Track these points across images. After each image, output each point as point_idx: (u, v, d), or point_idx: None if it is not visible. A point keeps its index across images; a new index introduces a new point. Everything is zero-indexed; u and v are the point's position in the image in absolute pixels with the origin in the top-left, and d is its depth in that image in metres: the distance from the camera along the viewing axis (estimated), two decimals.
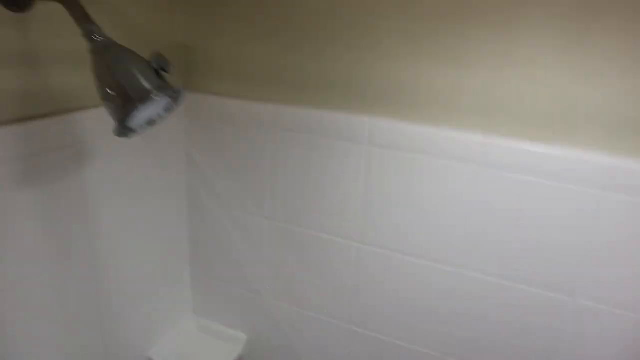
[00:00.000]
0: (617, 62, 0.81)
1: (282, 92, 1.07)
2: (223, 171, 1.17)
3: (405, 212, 1.01)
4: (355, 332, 1.15)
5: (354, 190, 1.05)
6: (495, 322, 1.00)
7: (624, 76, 0.81)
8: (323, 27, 0.99)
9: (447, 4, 0.88)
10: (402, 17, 0.92)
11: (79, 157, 0.88)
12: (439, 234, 1.00)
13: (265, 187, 1.13)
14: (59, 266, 0.89)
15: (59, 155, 0.83)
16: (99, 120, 0.83)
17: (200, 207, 1.23)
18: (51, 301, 0.89)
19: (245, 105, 1.09)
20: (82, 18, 0.62)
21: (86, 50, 0.63)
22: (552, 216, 0.90)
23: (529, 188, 0.90)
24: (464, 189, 0.95)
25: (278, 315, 1.24)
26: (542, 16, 0.83)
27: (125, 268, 1.07)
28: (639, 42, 0.79)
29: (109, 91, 0.60)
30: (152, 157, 1.08)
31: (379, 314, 1.11)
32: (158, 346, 1.24)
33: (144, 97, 0.59)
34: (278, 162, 1.10)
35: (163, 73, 0.63)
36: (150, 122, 0.68)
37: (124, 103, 0.59)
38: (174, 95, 0.65)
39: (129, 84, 0.59)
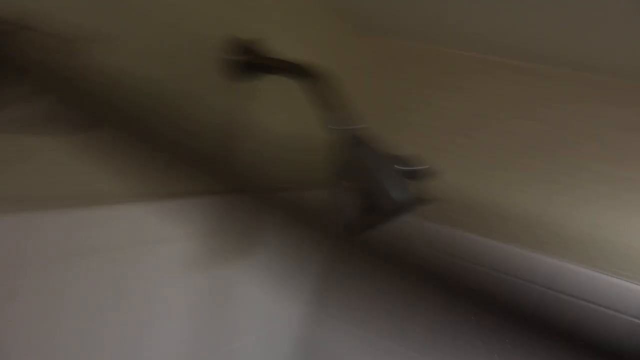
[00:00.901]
0: None
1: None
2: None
3: None
4: None
5: None
6: None
7: None
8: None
9: None
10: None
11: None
12: None
13: None
14: None
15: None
16: None
17: None
18: None
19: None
20: (332, 104, 0.62)
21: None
22: None
23: None
24: None
25: None
26: None
27: None
28: None
29: (346, 185, 0.57)
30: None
31: None
32: None
33: (392, 212, 0.54)
34: None
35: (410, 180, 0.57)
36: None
37: (367, 210, 0.55)
38: (420, 205, 0.57)
39: (377, 193, 0.54)
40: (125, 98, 0.62)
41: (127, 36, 0.64)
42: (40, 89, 0.49)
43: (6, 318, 0.56)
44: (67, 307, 0.63)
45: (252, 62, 0.82)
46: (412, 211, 0.57)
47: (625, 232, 0.94)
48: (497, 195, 1.05)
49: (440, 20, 0.97)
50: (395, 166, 0.60)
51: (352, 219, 0.60)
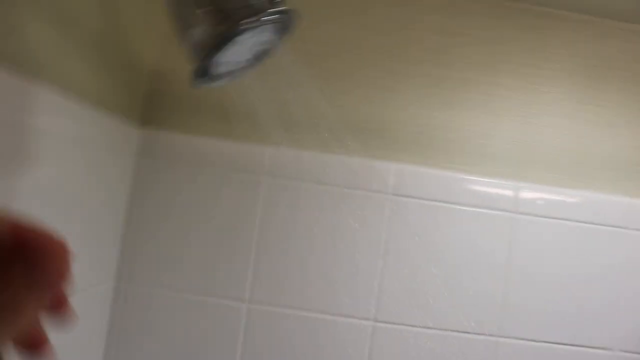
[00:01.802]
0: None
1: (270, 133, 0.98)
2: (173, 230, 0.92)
3: (428, 275, 0.92)
4: None
5: (373, 250, 0.92)
6: None
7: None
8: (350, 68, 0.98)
9: (480, 54, 0.95)
10: (434, 65, 0.96)
11: None
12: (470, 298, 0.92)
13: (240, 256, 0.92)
14: None
15: None
16: None
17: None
18: None
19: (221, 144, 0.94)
20: None
21: None
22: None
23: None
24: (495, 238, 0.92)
25: None
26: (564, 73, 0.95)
27: None
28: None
29: (195, 11, 0.46)
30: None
31: None
32: None
33: (250, 15, 0.45)
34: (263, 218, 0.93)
35: None
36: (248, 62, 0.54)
37: (217, 25, 0.45)
38: (284, 18, 0.49)
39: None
40: None
41: None
42: None
43: None
44: None
45: None
46: (268, 21, 0.48)
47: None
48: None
49: None
50: None
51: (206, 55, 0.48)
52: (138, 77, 0.93)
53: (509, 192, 0.92)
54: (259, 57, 0.56)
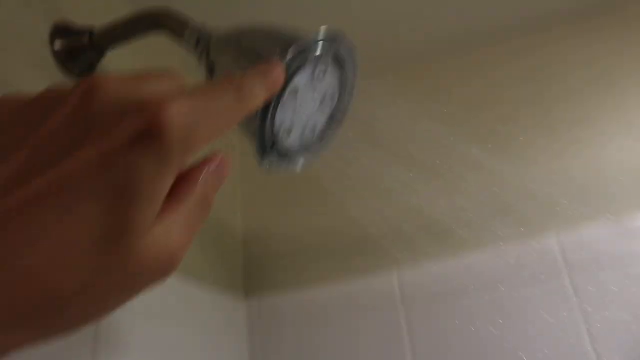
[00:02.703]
0: None
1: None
2: None
3: None
4: None
5: None
6: None
7: None
8: None
9: None
10: None
11: None
12: None
13: None
14: None
15: None
16: None
17: None
18: None
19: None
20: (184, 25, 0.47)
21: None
22: None
23: None
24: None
25: None
26: None
27: None
28: None
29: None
30: None
31: None
32: None
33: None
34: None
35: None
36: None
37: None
38: (330, 47, 0.40)
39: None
40: None
41: None
42: None
43: None
44: None
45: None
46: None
47: None
48: None
49: None
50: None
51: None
52: (234, 247, 0.92)
53: None
54: (335, 116, 0.45)
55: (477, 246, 0.81)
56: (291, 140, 0.42)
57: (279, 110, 0.38)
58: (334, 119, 0.45)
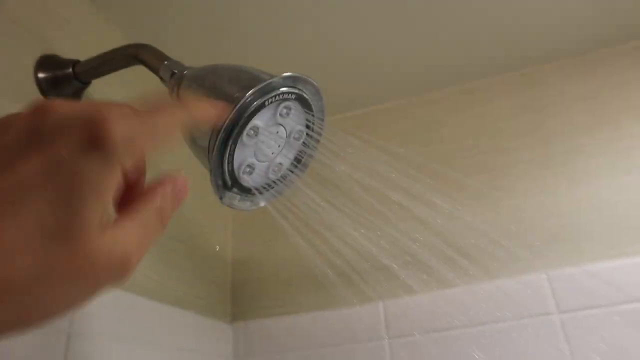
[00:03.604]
0: None
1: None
2: None
3: None
4: None
5: None
6: None
7: None
8: None
9: None
10: None
11: None
12: None
13: None
14: None
15: None
16: None
17: None
18: None
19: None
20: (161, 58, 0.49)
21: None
22: None
23: None
24: None
25: None
26: None
27: None
28: None
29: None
30: None
31: None
32: None
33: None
34: None
35: None
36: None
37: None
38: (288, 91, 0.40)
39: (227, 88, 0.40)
40: None
41: None
42: None
43: None
44: None
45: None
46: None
47: None
48: None
49: None
50: None
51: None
52: (223, 273, 0.94)
53: None
54: (301, 157, 0.46)
55: (466, 281, 0.80)
56: (253, 179, 0.42)
57: (237, 149, 0.39)
58: (300, 160, 0.46)
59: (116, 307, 0.60)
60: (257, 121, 0.39)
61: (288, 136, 0.43)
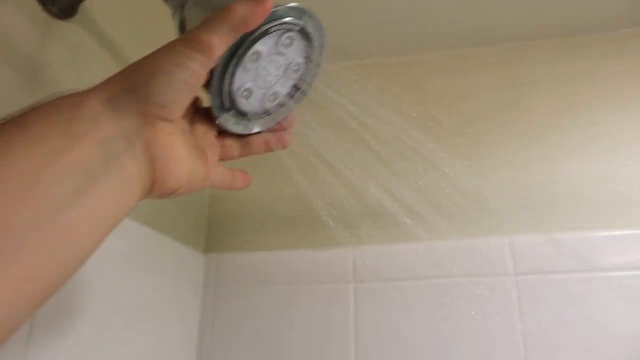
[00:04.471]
0: None
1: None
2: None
3: None
4: None
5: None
6: None
7: None
8: None
9: None
10: None
11: None
12: None
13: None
14: None
15: None
16: None
17: None
18: None
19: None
20: None
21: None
22: None
23: None
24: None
25: None
26: None
27: None
28: None
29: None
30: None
31: None
32: None
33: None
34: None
35: None
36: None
37: None
38: (293, 22, 0.41)
39: None
40: None
41: None
42: None
43: None
44: None
45: None
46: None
47: None
48: None
49: None
50: None
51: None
52: (201, 204, 0.97)
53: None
54: (298, 86, 0.47)
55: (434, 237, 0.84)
56: (250, 103, 0.44)
57: (239, 71, 0.40)
58: (297, 90, 0.47)
59: None
60: (260, 46, 0.40)
61: (287, 67, 0.45)
